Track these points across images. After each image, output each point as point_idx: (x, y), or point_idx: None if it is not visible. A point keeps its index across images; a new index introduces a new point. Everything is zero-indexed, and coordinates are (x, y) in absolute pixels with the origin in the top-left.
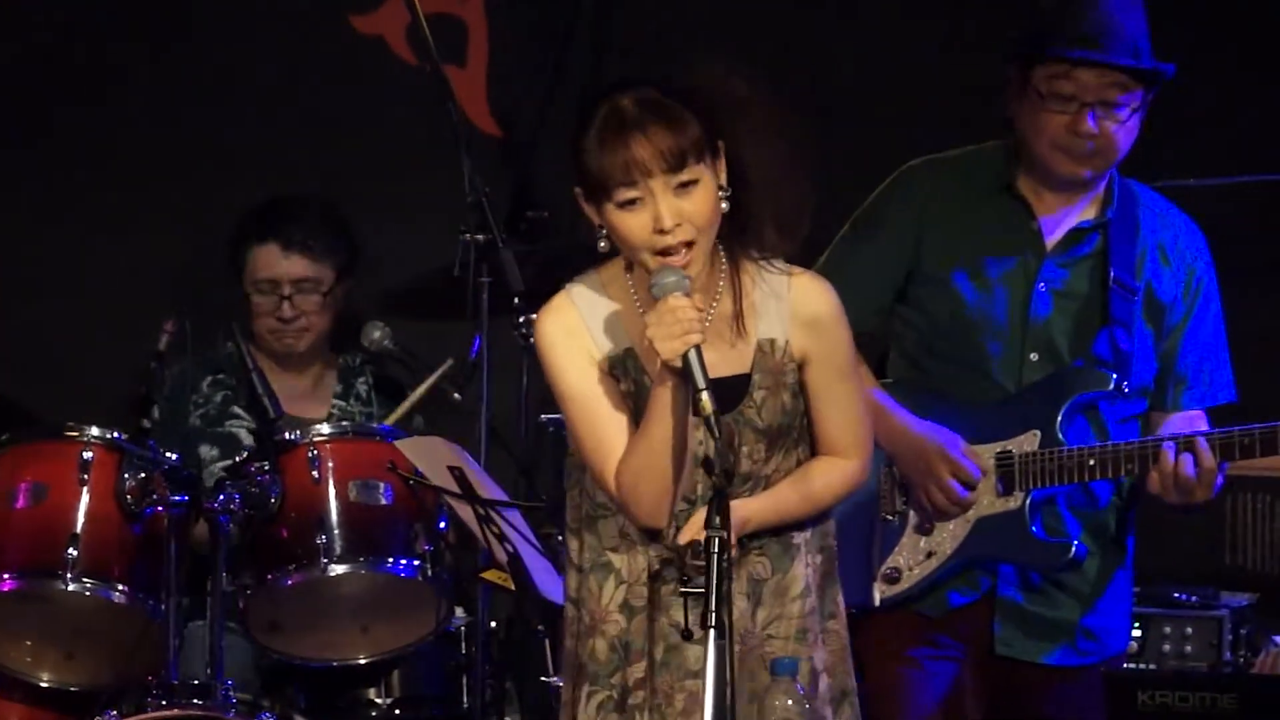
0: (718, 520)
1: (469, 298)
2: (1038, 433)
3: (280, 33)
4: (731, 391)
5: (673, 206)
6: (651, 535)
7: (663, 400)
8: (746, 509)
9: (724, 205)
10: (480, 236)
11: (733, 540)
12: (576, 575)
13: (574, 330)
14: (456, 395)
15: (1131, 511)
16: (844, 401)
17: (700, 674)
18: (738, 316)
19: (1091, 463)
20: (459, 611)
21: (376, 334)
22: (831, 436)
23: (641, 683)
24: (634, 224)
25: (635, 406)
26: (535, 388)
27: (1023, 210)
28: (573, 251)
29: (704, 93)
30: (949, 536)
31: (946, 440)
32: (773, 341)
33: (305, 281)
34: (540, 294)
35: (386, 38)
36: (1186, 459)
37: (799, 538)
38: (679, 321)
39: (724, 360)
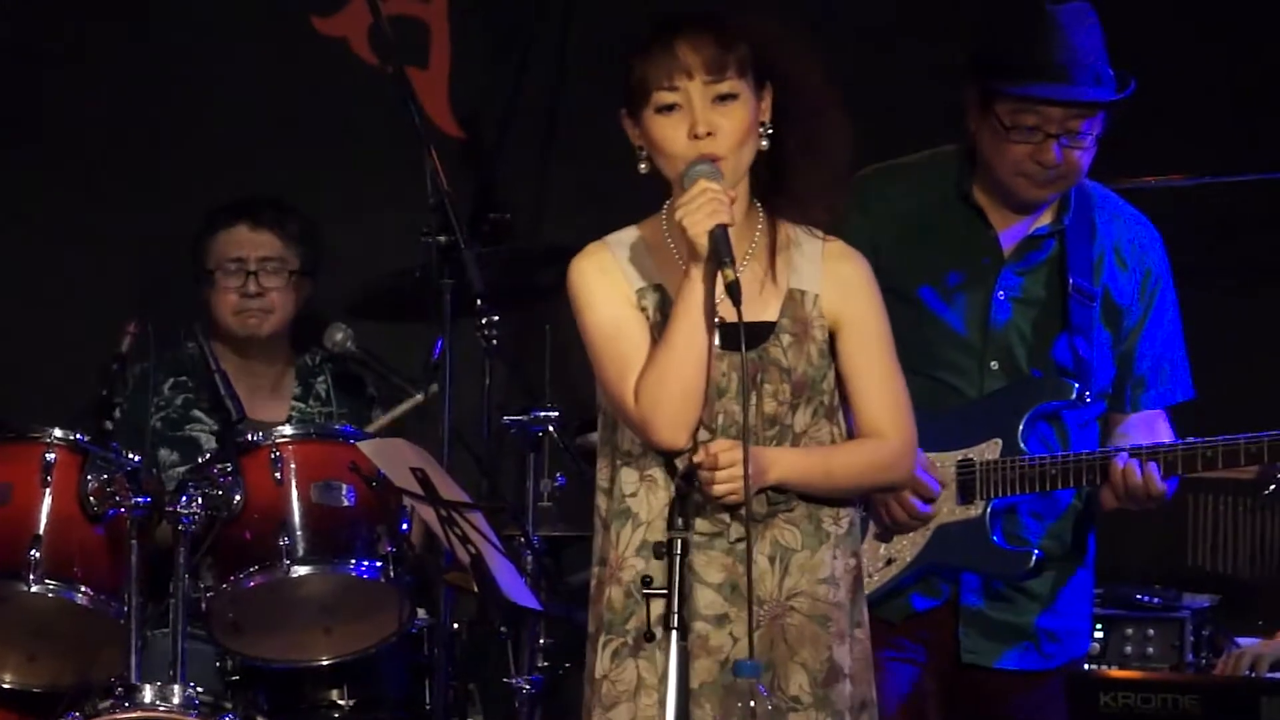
0: (679, 521)
1: (431, 299)
2: (999, 441)
3: (242, 35)
4: (758, 333)
5: (707, 116)
6: (671, 469)
7: (687, 293)
8: (768, 457)
9: (763, 143)
10: (442, 238)
11: (750, 477)
12: (599, 534)
13: (606, 268)
14: (419, 396)
15: (1092, 513)
16: (880, 375)
17: (708, 619)
18: (770, 266)
19: (1053, 473)
20: (421, 613)
21: (339, 336)
22: (868, 414)
23: (660, 621)
24: (670, 131)
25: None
26: (497, 389)
27: (979, 219)
28: (535, 253)
29: (760, 32)
30: (909, 544)
31: None
32: (803, 292)
33: (271, 260)
34: (502, 295)
35: (349, 39)
36: (1134, 467)
37: (829, 525)
38: (709, 200)
39: (753, 306)
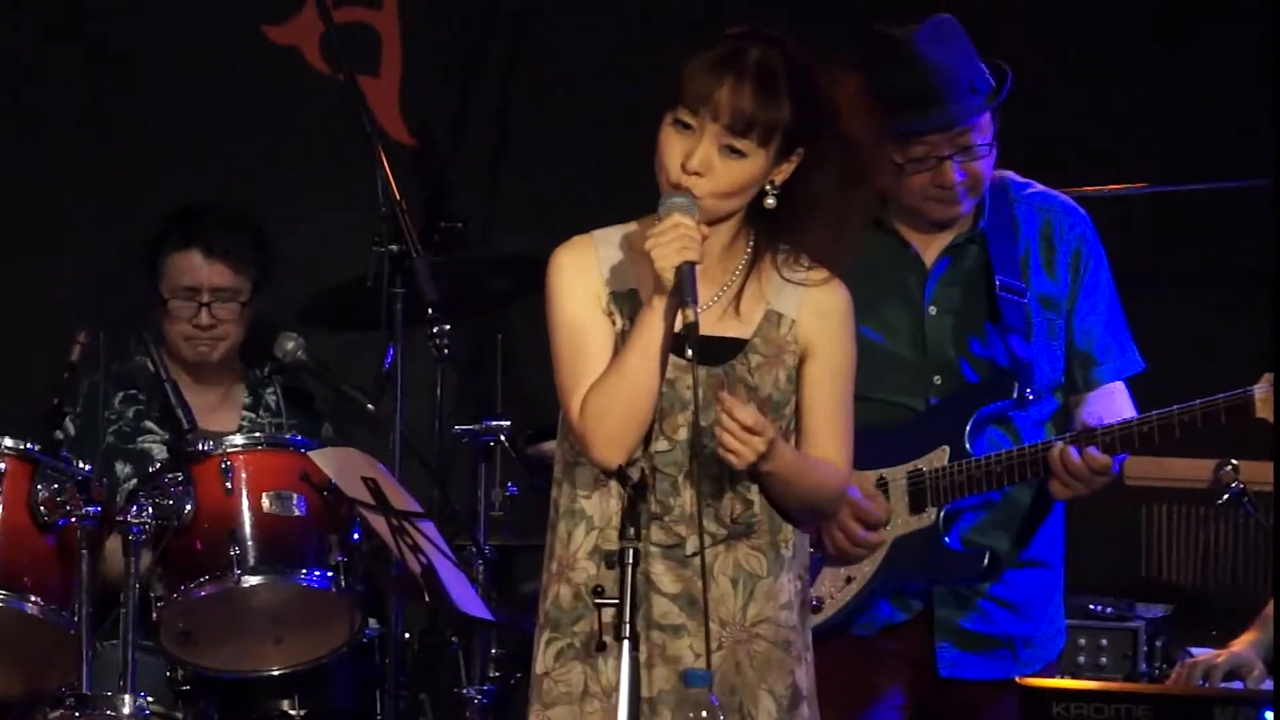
0: (630, 531)
1: (382, 308)
2: (947, 448)
3: (194, 43)
4: (728, 349)
5: (707, 156)
6: (623, 478)
7: (646, 321)
8: (788, 449)
9: (769, 202)
10: (394, 247)
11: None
12: (550, 532)
13: (586, 266)
14: (370, 406)
15: (1057, 516)
16: (839, 407)
17: (664, 629)
18: (742, 290)
19: (999, 469)
20: (372, 623)
21: (290, 345)
22: (822, 441)
23: (609, 629)
24: (673, 145)
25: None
26: (449, 399)
27: (896, 241)
28: (486, 262)
29: (821, 99)
30: (867, 560)
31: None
32: (781, 315)
33: (225, 291)
34: (454, 305)
35: (300, 48)
36: (1070, 451)
37: (784, 550)
38: (680, 236)
39: (727, 324)
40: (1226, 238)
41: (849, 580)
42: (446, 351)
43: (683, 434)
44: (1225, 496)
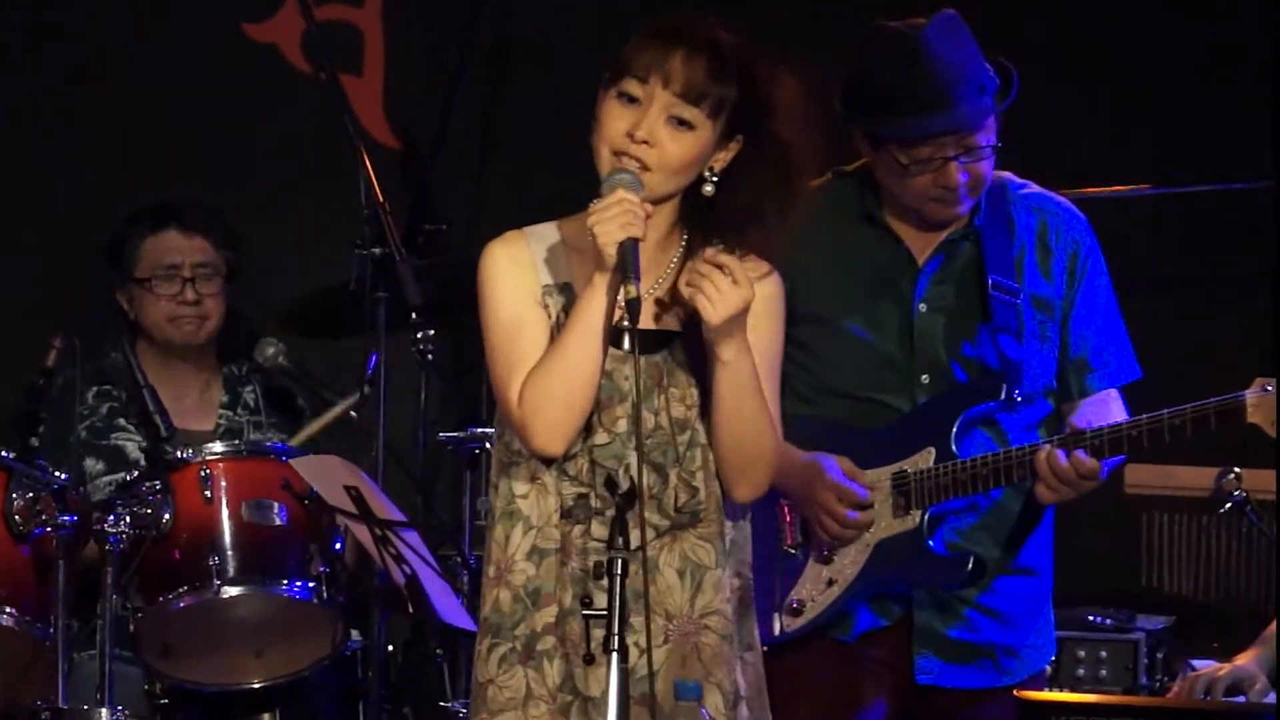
0: (619, 541)
1: (365, 313)
2: (932, 449)
3: (172, 41)
4: (665, 340)
5: (653, 127)
6: (562, 472)
7: (587, 301)
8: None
9: (707, 188)
10: (377, 250)
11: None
12: (488, 535)
13: (520, 260)
14: (353, 413)
15: (1047, 523)
16: (770, 391)
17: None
18: (675, 284)
19: (985, 472)
20: (355, 635)
21: (271, 350)
22: None
23: (552, 628)
24: (616, 119)
25: None
26: (433, 405)
27: (888, 236)
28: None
29: (763, 93)
30: (849, 563)
31: (827, 465)
32: None
33: (206, 266)
34: (438, 309)
35: (281, 46)
36: (1057, 455)
37: (728, 541)
38: (624, 212)
39: (664, 317)
40: (1228, 240)
41: (830, 583)
42: (430, 357)
43: (622, 425)
44: (1228, 505)
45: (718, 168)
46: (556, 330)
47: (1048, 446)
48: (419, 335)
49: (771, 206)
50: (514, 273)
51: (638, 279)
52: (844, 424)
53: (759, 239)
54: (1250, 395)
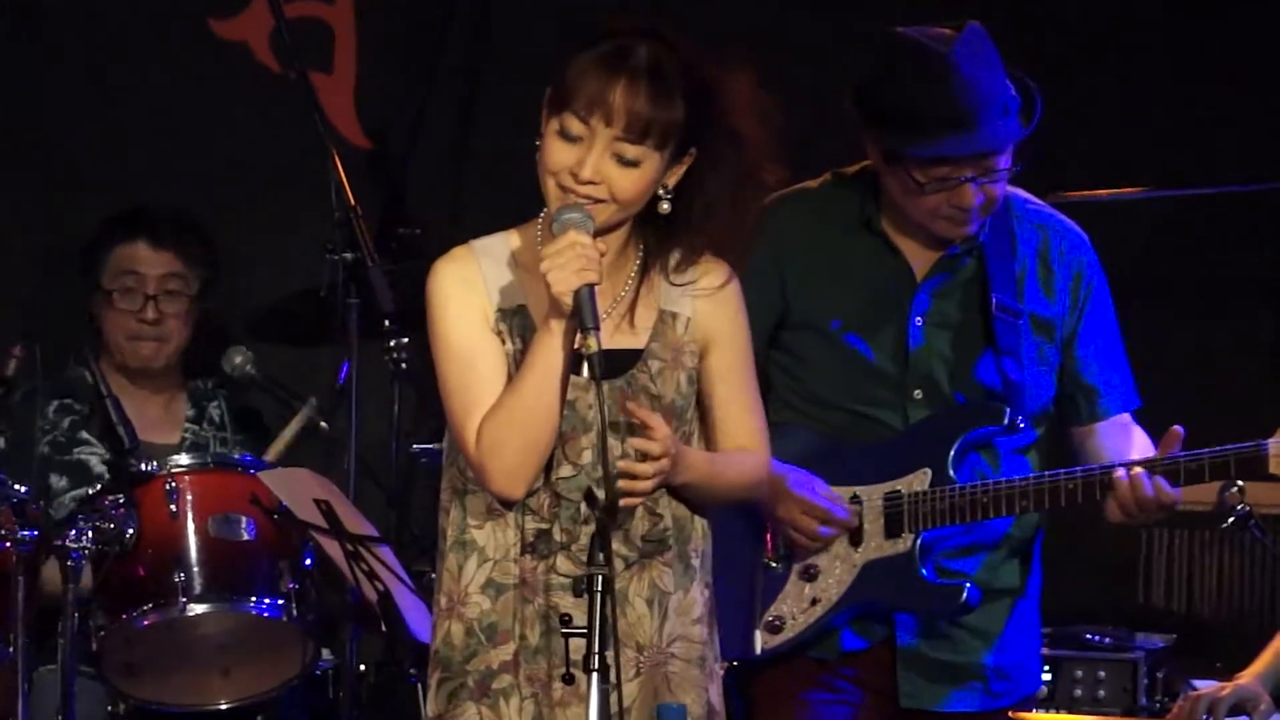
0: (600, 557)
1: (336, 320)
2: (928, 471)
3: (136, 39)
4: (626, 360)
5: (600, 165)
6: (523, 506)
7: (543, 346)
8: (687, 456)
9: (664, 206)
10: (348, 255)
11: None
12: (440, 562)
13: (470, 281)
14: (323, 424)
15: (1036, 542)
16: (745, 388)
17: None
18: (635, 300)
19: (984, 501)
20: (326, 653)
21: (238, 360)
22: (737, 428)
23: (509, 665)
24: (560, 153)
25: (518, 367)
26: (407, 416)
27: (883, 245)
28: None
29: (713, 97)
30: (835, 582)
31: (797, 479)
32: (675, 314)
33: (173, 278)
34: (412, 316)
35: (250, 44)
36: (1142, 480)
37: (694, 559)
38: (578, 256)
39: (620, 338)
40: (1230, 243)
41: (814, 601)
42: (404, 366)
43: (587, 457)
44: (1231, 519)
45: (672, 184)
46: (513, 360)
47: (1128, 470)
48: (392, 344)
49: (731, 205)
50: (464, 296)
51: (597, 328)
52: (833, 436)
53: (719, 236)
54: (1273, 445)
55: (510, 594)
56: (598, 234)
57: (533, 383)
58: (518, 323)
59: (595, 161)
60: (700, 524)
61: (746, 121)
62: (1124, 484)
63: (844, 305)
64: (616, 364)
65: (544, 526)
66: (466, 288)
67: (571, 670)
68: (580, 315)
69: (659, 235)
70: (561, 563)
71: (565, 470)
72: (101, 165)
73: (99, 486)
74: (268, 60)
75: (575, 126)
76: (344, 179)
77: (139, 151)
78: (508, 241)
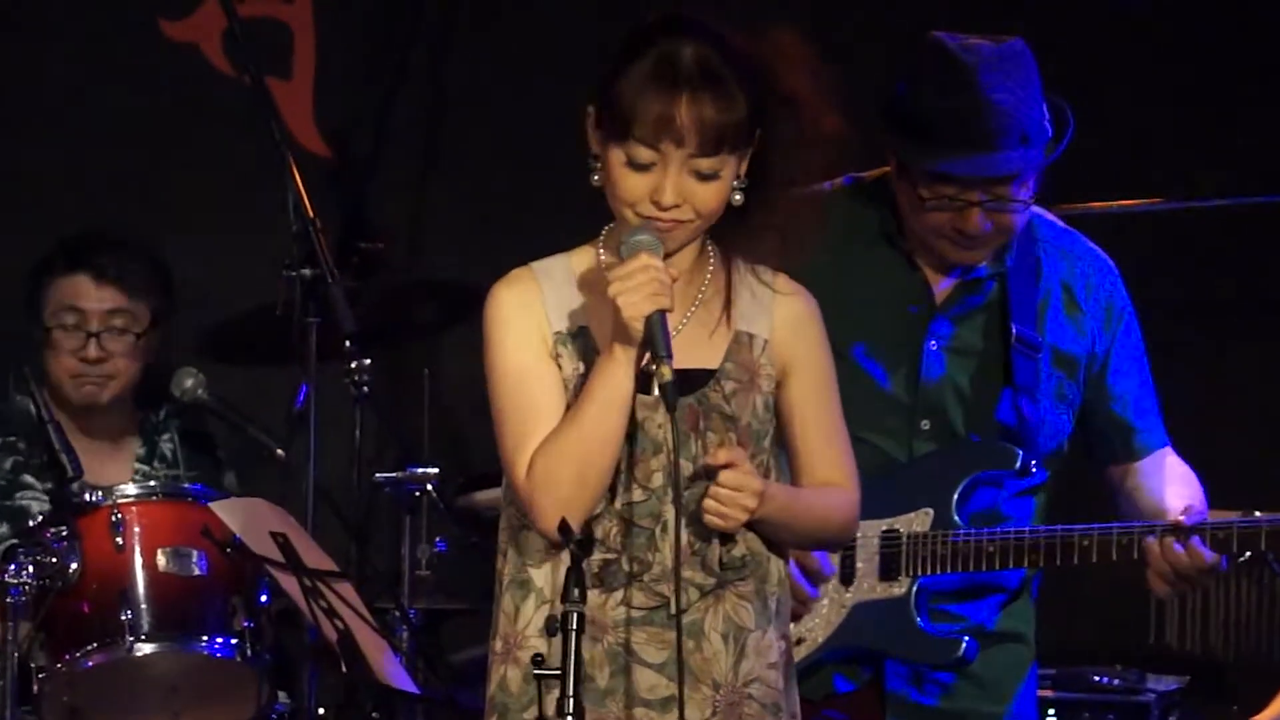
0: (575, 593)
1: (294, 340)
2: (930, 511)
3: (82, 41)
4: (698, 377)
5: (680, 186)
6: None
7: (607, 374)
8: (783, 490)
9: (736, 198)
10: (307, 271)
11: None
12: (496, 605)
13: (529, 304)
14: (280, 451)
15: (1034, 583)
16: (832, 421)
17: (651, 705)
18: (725, 308)
19: (990, 551)
20: (282, 696)
21: (189, 383)
22: (822, 462)
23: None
24: (634, 185)
25: (578, 393)
26: (369, 443)
27: (906, 261)
28: (411, 287)
29: (764, 74)
30: (821, 622)
31: None
32: (752, 336)
33: (117, 315)
34: (375, 336)
35: (201, 46)
36: (1176, 549)
37: (771, 602)
38: (651, 280)
39: (697, 352)
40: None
41: (798, 641)
42: (366, 389)
43: (658, 480)
44: (1247, 553)
45: (743, 173)
46: (572, 385)
47: (1155, 538)
48: (353, 365)
49: (803, 171)
50: (522, 319)
51: (669, 356)
52: None
53: (793, 207)
54: None
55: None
56: (680, 249)
57: (593, 413)
58: (579, 345)
59: (675, 185)
60: (777, 565)
61: (799, 81)
62: (1154, 551)
63: (858, 322)
64: (688, 383)
65: (611, 556)
66: (524, 309)
67: (546, 714)
68: (652, 343)
69: (732, 227)
70: (635, 595)
71: (636, 494)
72: (44, 173)
73: (40, 518)
74: (220, 63)
75: (644, 154)
76: (302, 190)
77: (84, 160)
78: (568, 262)
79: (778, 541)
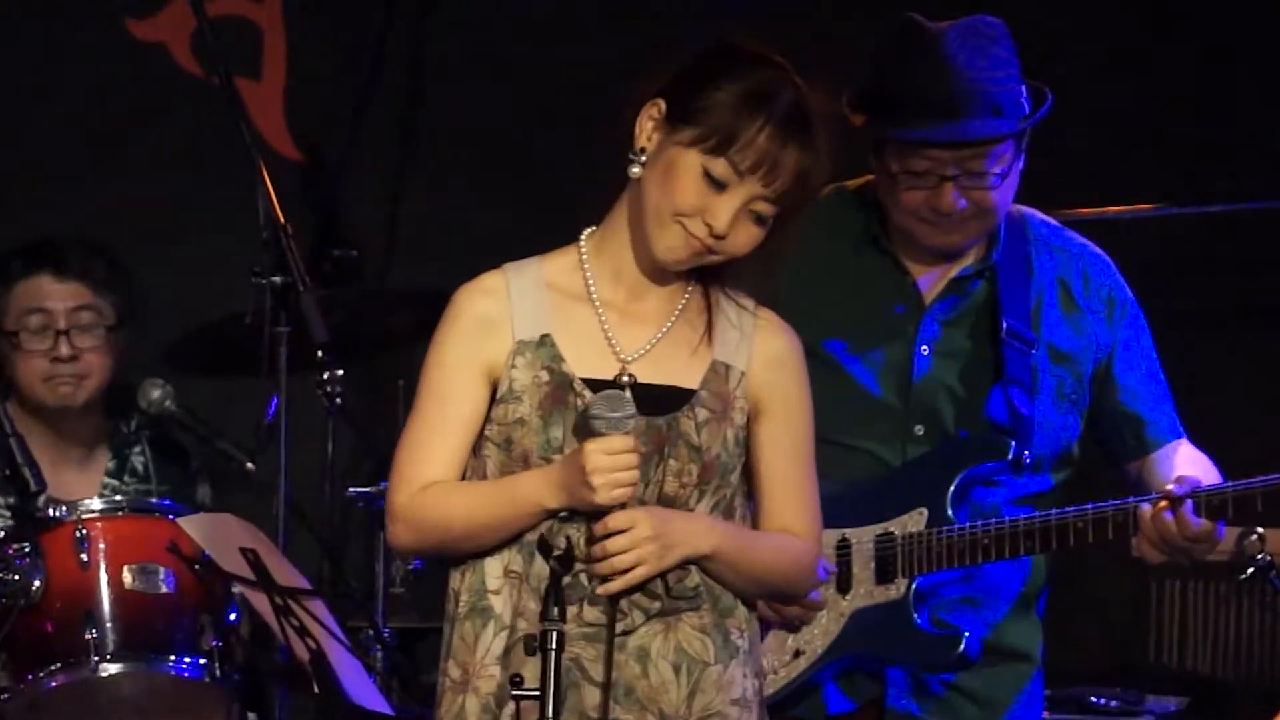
0: (554, 611)
1: (264, 351)
2: (924, 511)
3: (44, 40)
4: (671, 400)
5: (735, 219)
6: (545, 549)
7: (528, 504)
8: (700, 523)
9: None
10: (277, 279)
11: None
12: (449, 627)
13: (492, 322)
14: (250, 465)
15: (1041, 602)
16: (802, 468)
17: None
18: (708, 329)
19: (985, 542)
20: (252, 717)
21: (156, 394)
22: (785, 508)
23: None
24: (695, 193)
25: (551, 393)
26: (342, 456)
27: (892, 264)
28: (385, 296)
29: (822, 137)
30: (820, 632)
31: None
32: (729, 367)
33: (84, 311)
34: (348, 346)
35: (169, 46)
36: (1166, 517)
37: (736, 638)
38: (627, 468)
39: (675, 370)
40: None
41: (797, 654)
42: (339, 400)
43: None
44: (1250, 570)
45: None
46: (530, 392)
47: (1149, 504)
48: (325, 376)
49: (790, 224)
50: (475, 339)
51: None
52: (820, 473)
53: (759, 261)
54: None
55: (519, 647)
56: (679, 277)
57: (496, 515)
58: (544, 354)
59: (733, 214)
60: (742, 609)
61: (828, 150)
62: (1145, 518)
63: (846, 327)
64: (664, 401)
65: (577, 567)
66: (480, 330)
67: None
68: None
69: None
70: (587, 611)
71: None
72: (2, 179)
73: (1, 534)
74: (188, 64)
75: (726, 174)
76: (273, 194)
77: (46, 163)
78: (541, 267)
79: (723, 584)
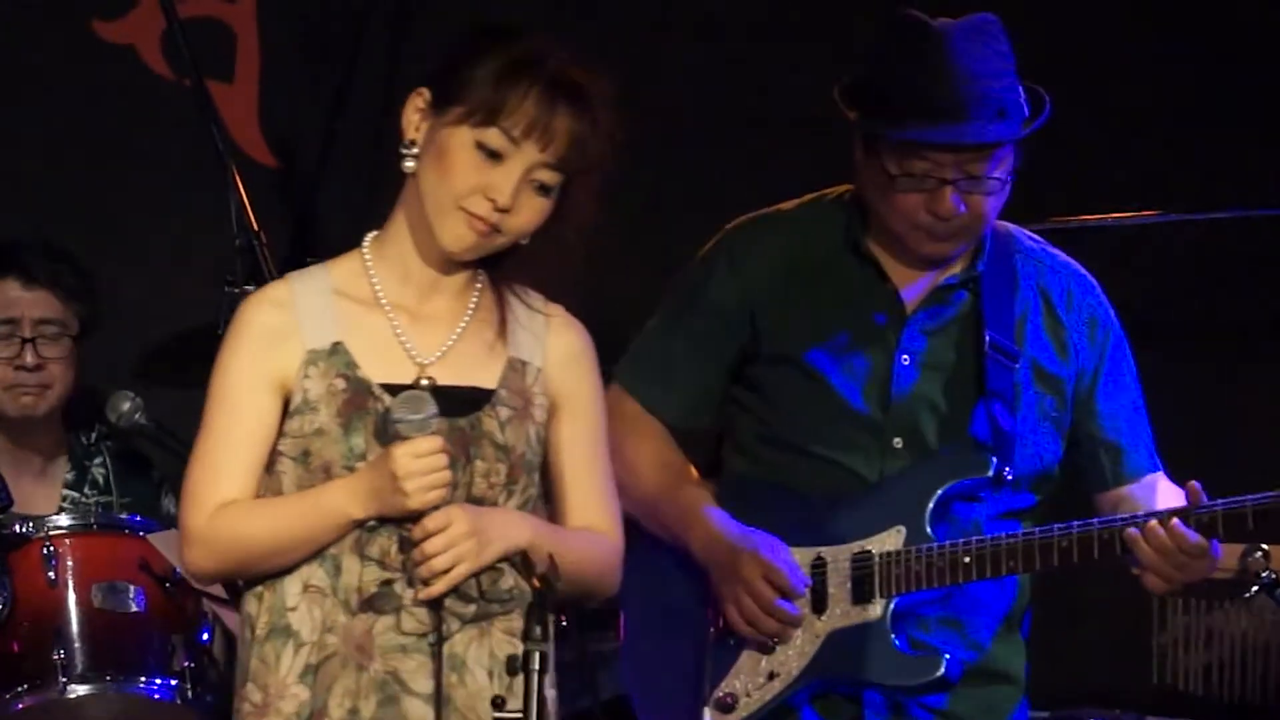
0: (537, 631)
1: None
2: (902, 529)
3: (10, 41)
4: (472, 400)
5: (517, 192)
6: (362, 555)
7: (333, 517)
8: (510, 518)
9: None
10: (251, 287)
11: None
12: (246, 651)
13: (280, 333)
14: None
15: (1025, 623)
16: (600, 464)
17: None
18: (502, 329)
19: (966, 560)
20: None
21: (125, 406)
22: (588, 505)
23: None
24: (471, 171)
25: (349, 400)
26: None
27: (874, 272)
28: None
29: (604, 120)
30: (795, 654)
31: (763, 543)
32: (525, 363)
33: (51, 323)
34: None
35: (138, 47)
36: (1159, 534)
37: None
38: (438, 469)
39: (472, 370)
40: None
41: (771, 676)
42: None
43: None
44: (1254, 588)
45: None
46: (324, 401)
47: (1138, 529)
48: None
49: (578, 231)
50: (264, 353)
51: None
52: (792, 487)
53: (552, 256)
54: None
55: (332, 663)
56: (465, 266)
57: (303, 535)
58: (338, 361)
59: (514, 187)
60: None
61: (611, 147)
62: (1139, 544)
63: (824, 337)
64: (464, 402)
65: (390, 577)
66: (266, 342)
67: None
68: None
69: (500, 259)
70: (406, 620)
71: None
72: None
73: None
74: (158, 66)
75: (504, 146)
76: (246, 201)
77: (10, 168)
78: (327, 274)
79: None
